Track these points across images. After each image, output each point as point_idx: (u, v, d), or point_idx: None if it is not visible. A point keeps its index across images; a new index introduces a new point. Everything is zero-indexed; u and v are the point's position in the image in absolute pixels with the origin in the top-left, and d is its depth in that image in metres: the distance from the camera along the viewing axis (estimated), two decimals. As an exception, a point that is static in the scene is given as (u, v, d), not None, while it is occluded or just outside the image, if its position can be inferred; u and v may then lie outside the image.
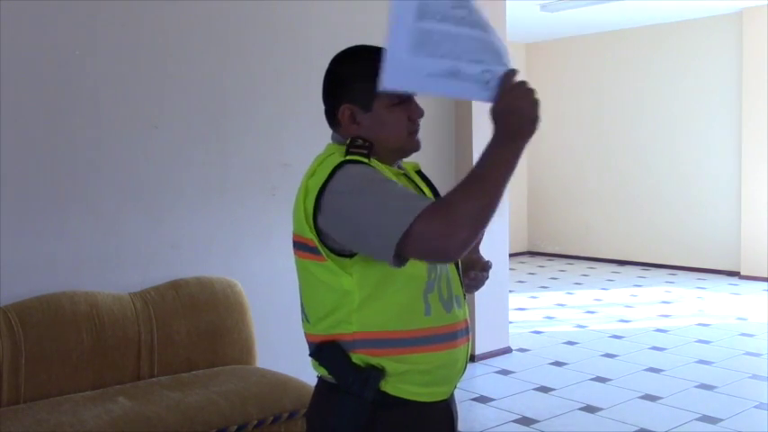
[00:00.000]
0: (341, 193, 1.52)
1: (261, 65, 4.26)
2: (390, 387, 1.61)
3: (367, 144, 1.63)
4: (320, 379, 1.69)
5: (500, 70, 1.47)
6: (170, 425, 2.93)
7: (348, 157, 1.58)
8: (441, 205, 1.43)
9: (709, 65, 8.93)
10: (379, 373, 1.59)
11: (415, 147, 1.72)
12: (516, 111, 1.45)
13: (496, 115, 1.46)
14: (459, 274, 1.72)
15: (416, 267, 1.57)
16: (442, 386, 1.67)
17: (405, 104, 1.68)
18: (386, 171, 1.61)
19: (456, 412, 1.77)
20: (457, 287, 1.69)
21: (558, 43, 10.35)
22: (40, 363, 3.15)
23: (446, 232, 1.40)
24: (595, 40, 9.93)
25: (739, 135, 8.67)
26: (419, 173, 1.81)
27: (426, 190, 1.76)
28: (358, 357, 1.60)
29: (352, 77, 1.68)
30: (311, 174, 1.63)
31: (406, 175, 1.74)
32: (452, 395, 1.75)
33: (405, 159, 1.81)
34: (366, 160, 1.58)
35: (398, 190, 1.51)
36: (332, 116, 1.73)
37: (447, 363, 1.65)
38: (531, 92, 1.46)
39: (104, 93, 3.67)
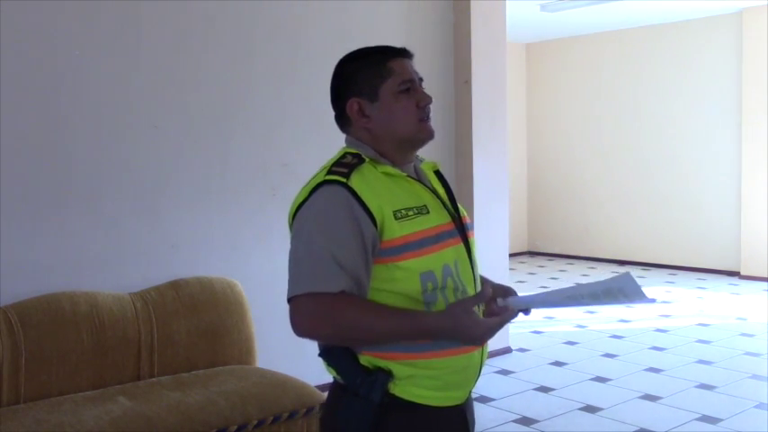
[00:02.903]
0: (298, 224, 1.60)
1: (261, 65, 4.26)
2: (399, 390, 1.60)
3: (354, 161, 1.62)
4: (333, 380, 1.69)
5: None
6: (170, 425, 2.93)
7: (327, 177, 1.59)
8: (331, 304, 1.51)
9: (709, 65, 8.92)
10: (386, 375, 1.58)
11: (428, 135, 1.70)
12: (468, 336, 1.53)
13: (458, 322, 1.52)
14: (474, 284, 1.70)
15: (409, 283, 1.58)
16: (455, 391, 1.66)
17: (411, 92, 1.68)
18: (366, 190, 1.58)
19: (472, 419, 1.75)
20: (470, 294, 1.66)
21: (558, 43, 10.34)
22: (40, 363, 3.15)
23: (313, 322, 1.53)
24: (595, 40, 9.92)
25: (739, 135, 8.66)
26: (437, 173, 1.80)
27: (441, 191, 1.75)
28: (366, 359, 1.60)
29: (355, 72, 1.69)
30: (306, 183, 1.66)
31: (418, 178, 1.71)
32: (468, 401, 1.73)
33: (424, 159, 1.81)
34: (344, 180, 1.58)
35: (327, 248, 1.53)
36: (342, 116, 1.73)
37: (458, 368, 1.64)
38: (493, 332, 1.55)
39: (104, 93, 3.67)
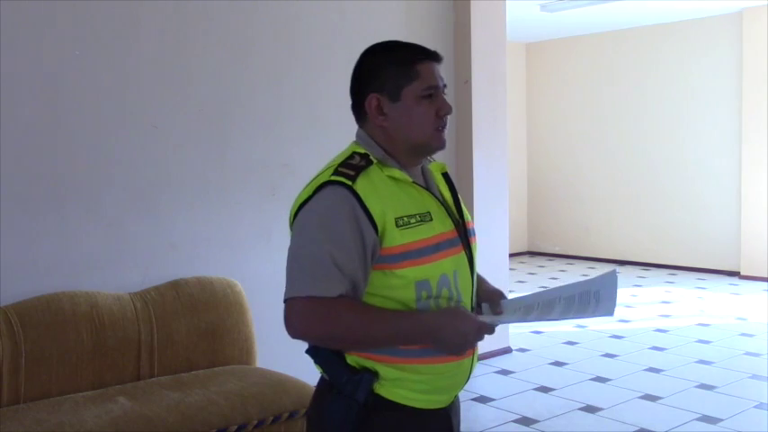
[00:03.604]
0: (299, 222, 1.59)
1: (261, 65, 4.25)
2: (385, 390, 1.60)
3: (362, 163, 1.60)
4: (321, 377, 1.69)
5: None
6: (170, 425, 2.93)
7: (333, 178, 1.58)
8: (328, 309, 1.51)
9: (709, 65, 8.93)
10: (372, 375, 1.58)
11: (441, 144, 1.69)
12: (453, 339, 1.54)
13: (445, 324, 1.54)
14: (471, 293, 1.70)
15: (403, 291, 1.58)
16: (441, 395, 1.66)
17: (433, 99, 1.65)
18: (371, 194, 1.57)
19: (458, 419, 1.75)
20: (465, 304, 1.67)
21: (558, 43, 10.34)
22: (40, 363, 3.15)
23: (309, 325, 1.53)
24: (595, 40, 9.92)
25: (739, 135, 8.67)
26: (445, 175, 1.79)
27: (447, 195, 1.75)
28: (352, 359, 1.60)
29: (382, 67, 1.66)
30: (311, 180, 1.64)
31: (425, 182, 1.71)
32: (454, 404, 1.73)
33: (434, 159, 1.80)
34: (349, 182, 1.56)
35: (328, 250, 1.52)
36: (359, 108, 1.70)
37: (446, 373, 1.64)
38: (475, 340, 1.57)
39: (104, 93, 3.67)
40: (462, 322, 1.54)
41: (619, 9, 8.29)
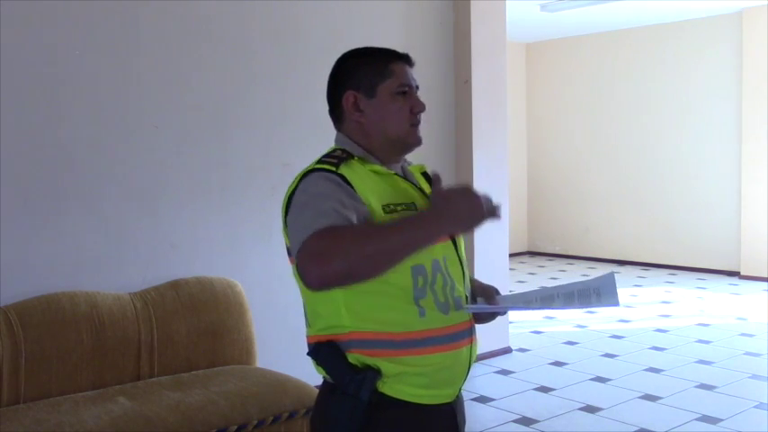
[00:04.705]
0: (293, 206, 1.58)
1: (261, 65, 4.26)
2: (388, 388, 1.60)
3: (344, 155, 1.64)
4: (323, 380, 1.69)
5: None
6: (170, 425, 2.93)
7: (316, 166, 1.61)
8: (335, 232, 1.44)
9: (709, 65, 8.93)
10: (375, 373, 1.58)
11: (416, 141, 1.73)
12: (457, 212, 1.50)
13: (443, 203, 1.50)
14: (463, 281, 1.70)
15: (400, 277, 1.57)
16: (444, 388, 1.66)
17: (408, 96, 1.70)
18: (356, 179, 1.58)
19: (462, 416, 1.75)
20: (459, 291, 1.67)
21: (558, 43, 10.35)
22: (40, 363, 3.15)
23: (320, 257, 1.41)
24: (595, 40, 9.93)
25: (739, 135, 8.67)
26: (425, 175, 1.82)
27: (429, 192, 1.76)
28: (354, 357, 1.60)
29: (357, 67, 1.72)
30: (297, 175, 1.66)
31: (404, 176, 1.73)
32: (458, 398, 1.73)
33: (411, 163, 1.82)
34: (333, 168, 1.58)
35: (327, 205, 1.49)
36: (336, 110, 1.74)
37: (447, 365, 1.64)
38: (473, 200, 1.51)
39: (104, 93, 3.67)
40: (456, 189, 1.53)
41: (619, 9, 8.29)
